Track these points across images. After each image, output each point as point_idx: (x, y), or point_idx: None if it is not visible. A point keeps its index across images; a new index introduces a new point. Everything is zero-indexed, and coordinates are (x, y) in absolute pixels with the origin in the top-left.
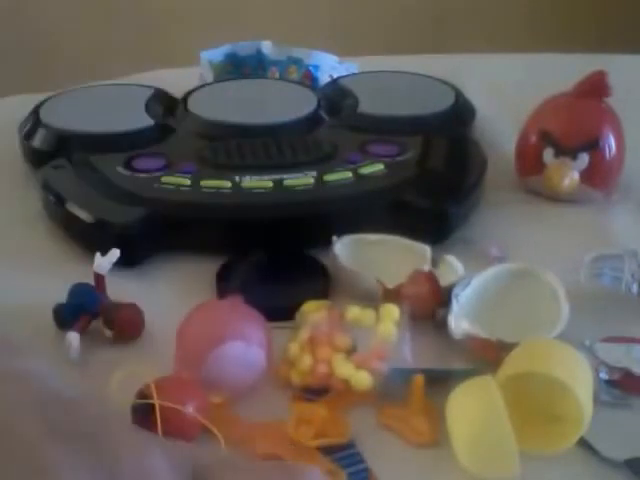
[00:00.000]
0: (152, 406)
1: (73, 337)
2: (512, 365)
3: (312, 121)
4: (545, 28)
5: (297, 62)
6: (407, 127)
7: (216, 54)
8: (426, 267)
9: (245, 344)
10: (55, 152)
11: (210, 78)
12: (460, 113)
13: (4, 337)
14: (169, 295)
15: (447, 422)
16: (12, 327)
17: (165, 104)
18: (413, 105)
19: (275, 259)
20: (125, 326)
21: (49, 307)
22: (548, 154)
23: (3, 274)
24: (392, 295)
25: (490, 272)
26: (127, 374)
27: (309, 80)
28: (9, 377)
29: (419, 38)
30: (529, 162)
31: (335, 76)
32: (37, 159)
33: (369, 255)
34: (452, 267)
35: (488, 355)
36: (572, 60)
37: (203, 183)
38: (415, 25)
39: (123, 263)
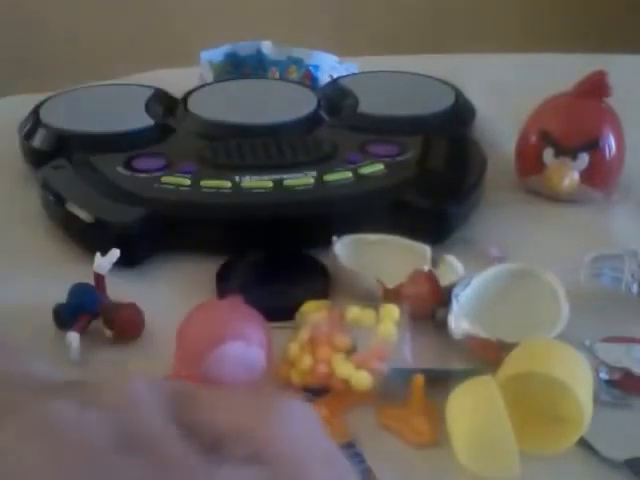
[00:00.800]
0: None
1: (73, 337)
2: (512, 365)
3: (312, 121)
4: (545, 28)
5: (297, 62)
6: (407, 127)
7: (216, 54)
8: (426, 267)
9: (245, 344)
10: (55, 152)
11: (210, 78)
12: (460, 113)
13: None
14: (169, 295)
15: (447, 422)
16: (12, 327)
17: (165, 104)
18: (413, 105)
19: (275, 259)
20: (125, 326)
21: (49, 307)
22: (548, 154)
23: (3, 274)
24: (392, 295)
25: (490, 272)
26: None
27: (309, 80)
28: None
29: (419, 38)
30: (529, 162)
31: (335, 76)
32: (37, 159)
33: (369, 255)
34: (452, 267)
35: (488, 355)
36: (572, 60)
37: (203, 183)
38: (415, 25)
39: (123, 263)
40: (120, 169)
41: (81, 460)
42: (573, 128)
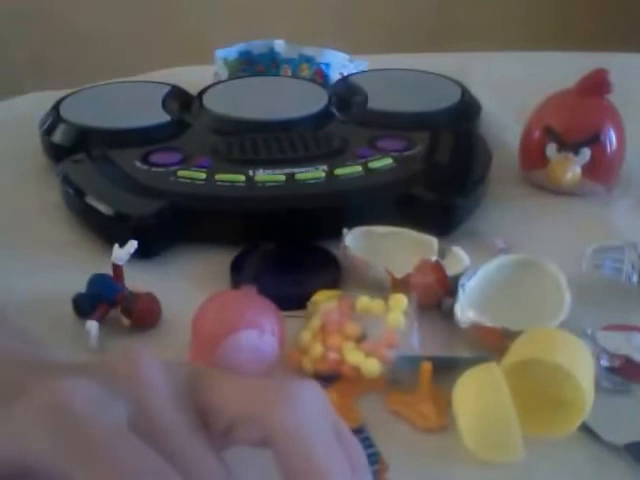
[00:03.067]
0: None
1: (92, 325)
2: (516, 352)
3: (323, 117)
4: (548, 28)
5: (309, 60)
6: (415, 123)
7: (230, 52)
8: (433, 258)
9: (258, 332)
10: (75, 147)
11: (225, 75)
12: (466, 109)
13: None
14: (185, 285)
15: (454, 407)
16: (33, 316)
17: (181, 101)
18: (421, 101)
19: (287, 250)
20: (142, 315)
21: (69, 297)
22: (551, 149)
23: (25, 265)
24: (400, 285)
25: (495, 263)
26: None
27: (320, 77)
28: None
29: (426, 37)
30: (533, 157)
31: (345, 73)
32: (57, 154)
33: (378, 246)
34: (458, 258)
35: (493, 343)
36: (574, 58)
37: (218, 177)
38: (422, 25)
39: (140, 254)
40: (138, 163)
41: (95, 441)
42: (575, 124)
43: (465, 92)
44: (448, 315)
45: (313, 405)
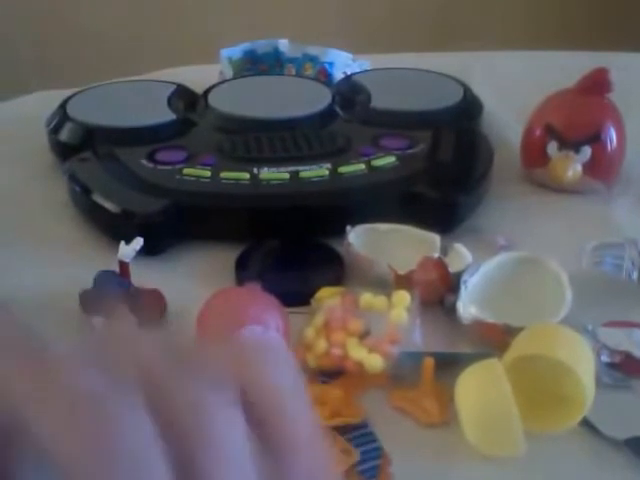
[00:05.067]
0: None
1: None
2: (518, 348)
3: (327, 116)
4: (549, 27)
5: (313, 59)
6: (418, 121)
7: (235, 52)
8: (435, 255)
9: (263, 328)
10: (81, 145)
11: (229, 75)
12: (468, 108)
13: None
14: (190, 282)
15: (456, 403)
16: (41, 311)
17: (186, 99)
18: (423, 100)
19: (291, 247)
20: (148, 311)
21: (75, 293)
22: (552, 147)
23: (32, 262)
24: (403, 281)
25: (497, 260)
26: None
27: (324, 76)
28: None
29: (429, 37)
30: (534, 155)
31: (349, 73)
32: (64, 152)
33: (381, 244)
34: (461, 255)
35: (495, 339)
36: (575, 57)
37: (223, 175)
38: (426, 25)
39: (146, 251)
40: (143, 161)
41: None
42: (576, 122)
43: (467, 91)
44: (450, 311)
45: (285, 364)
